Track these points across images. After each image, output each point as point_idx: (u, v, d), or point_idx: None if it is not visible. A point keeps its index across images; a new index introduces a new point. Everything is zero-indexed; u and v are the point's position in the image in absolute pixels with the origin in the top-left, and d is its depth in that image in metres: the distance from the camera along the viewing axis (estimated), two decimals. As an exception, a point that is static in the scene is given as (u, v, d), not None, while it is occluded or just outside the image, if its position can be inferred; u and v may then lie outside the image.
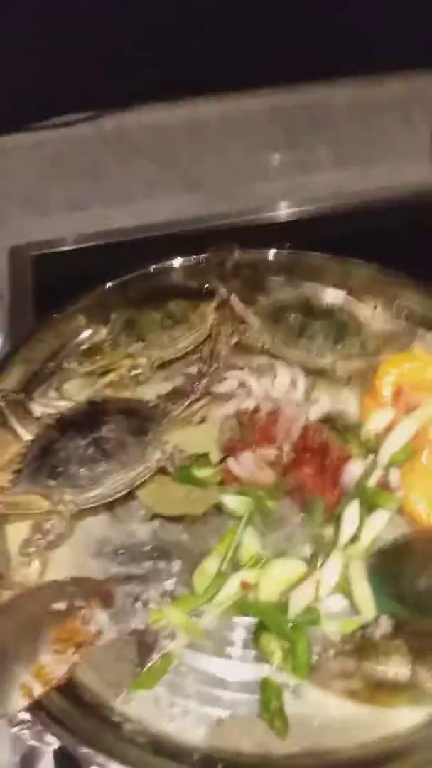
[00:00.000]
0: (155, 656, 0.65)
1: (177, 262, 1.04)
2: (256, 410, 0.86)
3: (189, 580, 0.70)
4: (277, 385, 0.91)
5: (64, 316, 0.97)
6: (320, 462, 0.80)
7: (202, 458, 0.80)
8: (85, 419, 0.78)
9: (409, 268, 1.01)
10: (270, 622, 0.65)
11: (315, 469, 0.79)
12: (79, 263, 1.18)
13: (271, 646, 0.64)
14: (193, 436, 0.84)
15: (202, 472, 0.78)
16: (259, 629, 0.66)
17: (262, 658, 0.65)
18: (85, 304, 0.98)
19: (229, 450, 0.82)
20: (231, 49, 1.14)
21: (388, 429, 0.81)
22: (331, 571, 0.70)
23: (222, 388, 0.91)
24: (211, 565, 0.71)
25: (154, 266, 1.03)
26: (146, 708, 0.62)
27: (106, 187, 1.26)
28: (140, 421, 0.79)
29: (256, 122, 1.26)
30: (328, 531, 0.75)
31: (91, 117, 1.18)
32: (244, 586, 0.68)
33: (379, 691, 0.60)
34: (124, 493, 0.75)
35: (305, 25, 1.18)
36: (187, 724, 0.61)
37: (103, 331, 0.96)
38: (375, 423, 0.82)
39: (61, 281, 1.11)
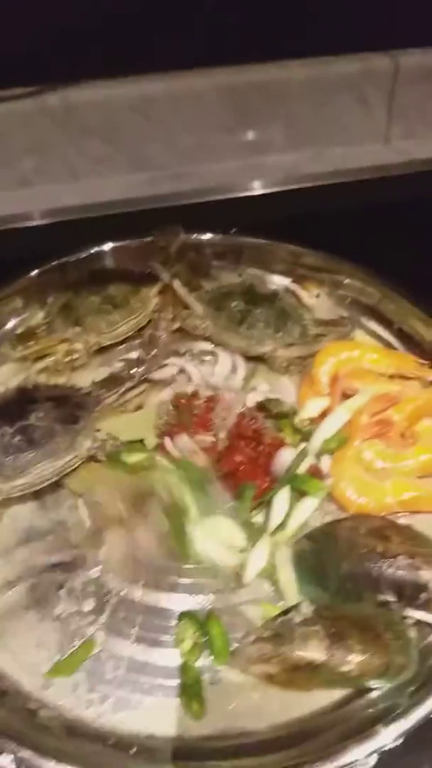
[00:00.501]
0: (76, 642, 0.65)
1: (119, 244, 1.03)
2: (194, 396, 0.86)
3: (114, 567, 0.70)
4: (217, 372, 0.92)
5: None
6: (253, 449, 0.80)
7: (133, 444, 0.80)
8: (14, 406, 0.77)
9: (357, 253, 1.01)
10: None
11: (247, 456, 0.79)
12: (21, 242, 1.15)
13: (185, 633, 0.65)
14: (128, 423, 0.84)
15: (132, 458, 0.78)
16: (182, 616, 0.67)
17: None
18: (22, 285, 0.97)
19: (165, 435, 0.82)
20: (181, 26, 1.11)
21: (323, 416, 0.82)
22: (257, 556, 0.70)
23: (161, 374, 0.90)
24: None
25: (95, 248, 1.01)
26: (64, 694, 0.62)
27: (52, 165, 1.23)
28: (71, 408, 0.79)
29: (207, 101, 1.23)
30: (259, 518, 0.75)
31: (34, 92, 1.15)
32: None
33: (296, 674, 0.61)
34: (52, 481, 0.75)
35: (258, 2, 1.15)
36: (104, 709, 0.61)
37: (40, 315, 0.95)
38: (309, 410, 0.82)
39: (5, 260, 1.08)
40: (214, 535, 0.71)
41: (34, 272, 0.97)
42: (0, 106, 1.15)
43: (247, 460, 0.79)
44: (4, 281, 0.96)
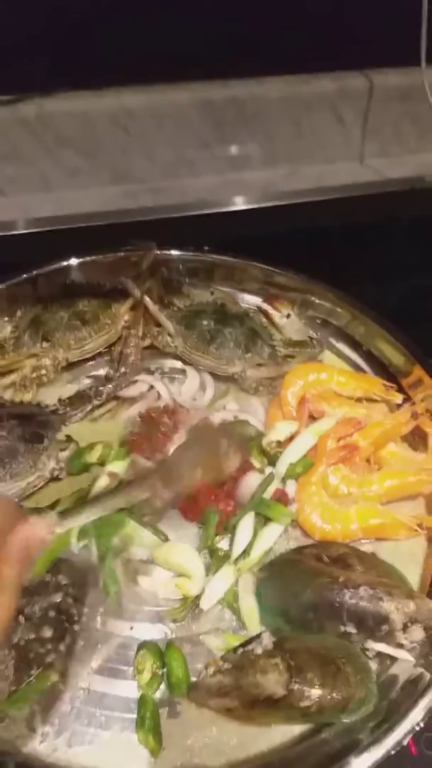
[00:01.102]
0: (33, 673, 0.63)
1: (91, 258, 1.01)
2: (163, 411, 0.85)
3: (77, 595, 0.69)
4: (184, 391, 0.91)
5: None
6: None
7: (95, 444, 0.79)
8: (-25, 425, 0.75)
9: (329, 273, 1.01)
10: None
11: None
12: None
13: (144, 664, 0.63)
14: (94, 431, 0.82)
15: (92, 456, 0.77)
16: (141, 646, 0.66)
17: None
18: (-10, 298, 0.95)
19: (130, 445, 0.81)
20: (161, 40, 1.10)
21: (290, 439, 0.82)
22: (217, 584, 0.70)
23: (130, 391, 0.89)
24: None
25: (67, 261, 1.00)
26: (18, 728, 0.60)
27: (27, 175, 1.21)
28: (36, 427, 0.77)
29: (185, 115, 1.22)
30: (224, 544, 0.74)
31: (10, 101, 1.13)
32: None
33: (255, 709, 0.61)
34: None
35: (238, 20, 1.15)
36: (58, 743, 0.60)
37: (7, 329, 0.93)
38: (277, 433, 0.82)
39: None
40: (171, 564, 0.70)
41: (3, 285, 0.95)
42: (-27, 114, 1.13)
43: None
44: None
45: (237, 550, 0.72)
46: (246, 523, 0.74)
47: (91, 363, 0.93)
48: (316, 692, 0.60)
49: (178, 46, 1.14)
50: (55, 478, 0.76)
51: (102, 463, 0.76)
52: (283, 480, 0.78)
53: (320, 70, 1.26)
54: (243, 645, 0.64)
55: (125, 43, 1.12)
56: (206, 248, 1.04)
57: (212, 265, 1.03)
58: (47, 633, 0.66)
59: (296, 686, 0.60)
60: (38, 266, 0.99)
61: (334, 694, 0.60)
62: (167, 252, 1.03)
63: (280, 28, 1.16)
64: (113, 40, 1.11)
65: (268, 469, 0.79)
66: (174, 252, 1.04)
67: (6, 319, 0.94)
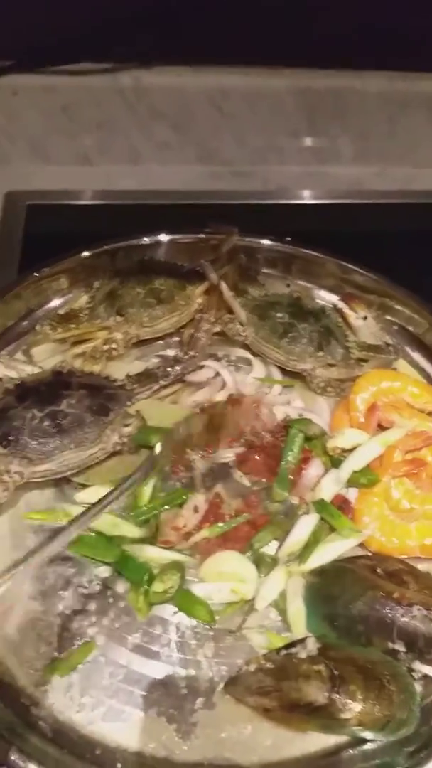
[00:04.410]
0: (76, 643, 0.64)
1: (171, 236, 1.01)
2: (228, 403, 0.85)
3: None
4: (249, 381, 0.89)
5: (45, 274, 0.93)
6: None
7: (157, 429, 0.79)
8: (47, 390, 0.76)
9: (412, 279, 0.98)
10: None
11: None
12: (75, 220, 1.14)
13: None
14: (161, 411, 0.82)
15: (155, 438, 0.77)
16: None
17: (188, 661, 0.64)
18: (69, 265, 0.95)
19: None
20: (266, 23, 1.08)
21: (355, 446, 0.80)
22: (270, 585, 0.69)
23: (197, 376, 0.89)
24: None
25: (147, 238, 0.99)
26: (57, 694, 0.61)
27: (116, 145, 1.21)
28: (104, 399, 0.77)
29: (280, 102, 1.20)
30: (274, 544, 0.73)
31: (109, 69, 1.13)
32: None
33: (293, 713, 0.60)
34: (74, 471, 0.73)
35: (342, 13, 1.11)
36: (94, 716, 0.60)
37: (84, 298, 0.93)
38: (344, 440, 0.80)
39: (54, 236, 1.07)
40: (224, 575, 0.69)
41: (84, 254, 0.95)
42: (71, 80, 1.13)
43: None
44: (52, 258, 0.94)
45: (290, 544, 0.71)
46: (306, 523, 0.72)
47: (160, 342, 0.93)
48: (357, 705, 0.58)
49: (280, 31, 1.12)
50: (116, 452, 0.76)
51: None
52: (345, 486, 0.77)
53: (422, 69, 1.21)
54: (287, 647, 0.63)
55: (229, 22, 1.10)
56: (288, 239, 1.02)
57: (291, 257, 1.01)
58: (92, 606, 0.67)
59: (338, 696, 0.59)
60: (118, 239, 0.99)
61: (375, 711, 0.59)
62: (248, 239, 1.01)
63: (389, 23, 1.12)
64: (218, 19, 1.09)
65: (333, 471, 0.77)
66: (254, 239, 1.02)
67: (83, 289, 0.94)
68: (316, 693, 0.59)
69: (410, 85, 1.20)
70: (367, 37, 1.11)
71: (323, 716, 0.59)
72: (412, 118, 1.24)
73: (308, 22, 1.10)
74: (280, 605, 0.68)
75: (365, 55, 1.14)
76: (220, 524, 0.72)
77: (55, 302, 0.94)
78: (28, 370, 0.81)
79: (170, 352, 0.91)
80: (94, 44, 1.10)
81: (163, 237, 1.00)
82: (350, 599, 0.66)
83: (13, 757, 0.53)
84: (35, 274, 0.92)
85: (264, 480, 0.78)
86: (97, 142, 1.21)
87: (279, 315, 0.91)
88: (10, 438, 0.71)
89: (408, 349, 0.95)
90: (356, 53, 1.14)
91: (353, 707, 0.58)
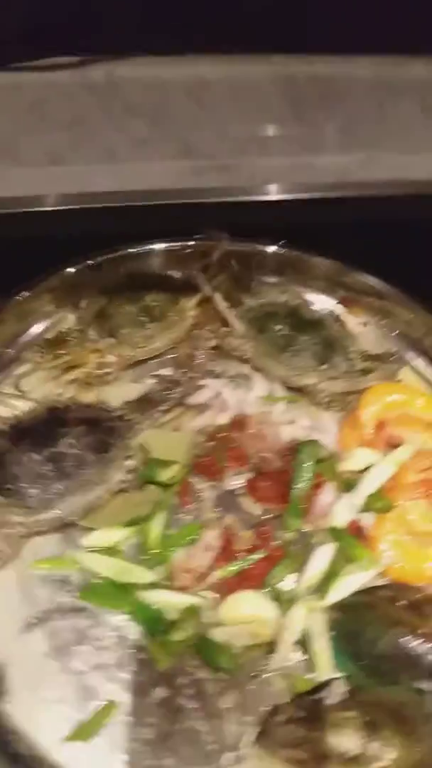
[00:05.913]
0: (96, 702, 0.61)
1: (159, 245, 0.95)
2: (232, 427, 0.81)
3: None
4: (251, 400, 0.86)
5: (28, 296, 0.87)
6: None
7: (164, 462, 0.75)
8: (43, 429, 0.72)
9: (408, 278, 0.95)
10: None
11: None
12: (50, 228, 1.07)
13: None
14: (164, 441, 0.78)
15: (164, 474, 0.73)
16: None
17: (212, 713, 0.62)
18: (53, 284, 0.89)
19: (196, 467, 0.77)
20: (246, 8, 1.01)
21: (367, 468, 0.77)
22: (293, 626, 0.66)
23: (197, 398, 0.85)
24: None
25: (132, 249, 0.94)
26: (79, 760, 0.58)
27: (90, 143, 1.13)
28: (103, 434, 0.73)
29: (262, 90, 1.14)
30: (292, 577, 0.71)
31: (78, 63, 1.05)
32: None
33: (326, 763, 0.58)
34: (80, 516, 0.69)
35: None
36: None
37: (70, 318, 0.88)
38: (355, 462, 0.77)
39: (29, 247, 0.99)
40: (243, 617, 0.66)
41: (69, 270, 0.89)
42: (39, 76, 1.06)
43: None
44: (37, 277, 0.88)
45: (308, 581, 0.69)
46: (323, 554, 0.70)
47: (153, 361, 0.88)
48: (392, 753, 0.57)
49: (261, 16, 1.05)
50: (121, 491, 0.72)
51: (172, 485, 0.72)
52: (360, 511, 0.74)
53: (412, 54, 1.16)
54: (314, 690, 0.62)
55: (205, 8, 1.03)
56: (282, 242, 0.97)
57: (287, 263, 0.97)
58: (110, 659, 0.64)
59: (371, 745, 0.57)
60: (103, 247, 0.93)
61: (410, 755, 0.57)
62: (239, 244, 0.96)
63: (375, 7, 1.06)
64: (194, 5, 1.02)
65: (346, 497, 0.75)
66: (246, 244, 0.97)
67: (69, 308, 0.89)
68: (347, 743, 0.57)
69: (400, 70, 1.15)
70: (354, 21, 1.05)
71: (358, 765, 0.58)
72: (402, 105, 1.19)
73: (291, 7, 1.03)
74: (302, 644, 0.66)
75: (351, 39, 1.08)
76: (235, 564, 0.69)
77: (40, 326, 0.88)
78: (21, 406, 0.76)
79: (166, 372, 0.87)
80: (61, 37, 1.02)
81: (151, 246, 0.95)
82: (374, 637, 0.64)
83: None
84: (17, 297, 0.86)
85: (274, 506, 0.76)
86: (69, 140, 1.13)
87: (278, 327, 0.88)
88: (9, 487, 0.67)
89: (409, 355, 0.92)
90: (341, 37, 1.08)
91: (388, 754, 0.57)
